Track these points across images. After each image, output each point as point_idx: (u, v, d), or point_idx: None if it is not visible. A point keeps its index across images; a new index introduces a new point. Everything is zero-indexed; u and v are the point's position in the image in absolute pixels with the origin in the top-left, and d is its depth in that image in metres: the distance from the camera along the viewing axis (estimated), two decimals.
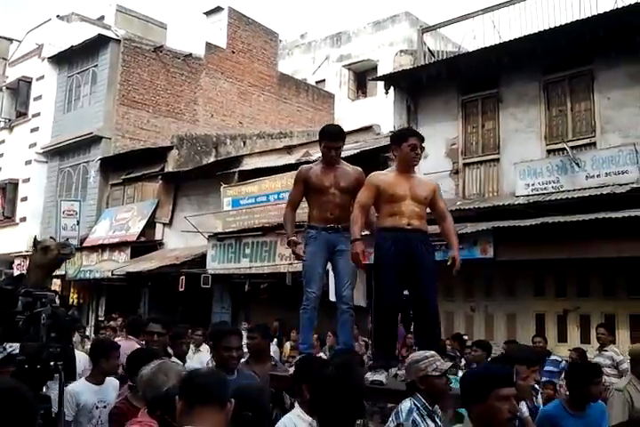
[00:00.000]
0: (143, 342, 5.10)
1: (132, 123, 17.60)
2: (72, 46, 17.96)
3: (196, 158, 16.05)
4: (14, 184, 19.35)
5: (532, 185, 9.10)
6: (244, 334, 4.78)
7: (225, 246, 12.84)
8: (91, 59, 18.03)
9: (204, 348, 7.74)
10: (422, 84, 10.61)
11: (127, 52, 17.57)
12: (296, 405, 3.34)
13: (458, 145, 10.53)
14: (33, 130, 19.19)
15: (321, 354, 7.28)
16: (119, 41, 17.53)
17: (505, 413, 2.28)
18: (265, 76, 20.38)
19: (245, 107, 19.78)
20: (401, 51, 12.91)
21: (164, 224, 15.42)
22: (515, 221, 8.55)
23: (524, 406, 3.55)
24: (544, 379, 6.25)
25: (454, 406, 3.11)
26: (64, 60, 18.82)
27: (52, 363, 2.61)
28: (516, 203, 9.04)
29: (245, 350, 4.49)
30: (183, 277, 12.96)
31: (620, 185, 8.22)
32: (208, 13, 19.81)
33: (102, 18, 20.75)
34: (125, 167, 16.80)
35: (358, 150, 10.44)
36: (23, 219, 18.88)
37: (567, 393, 4.22)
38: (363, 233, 4.12)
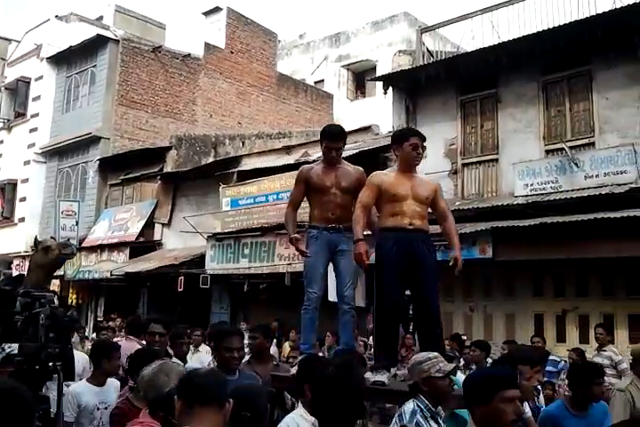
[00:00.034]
0: (144, 343, 5.09)
1: (130, 123, 17.57)
2: (71, 46, 17.93)
3: (194, 159, 16.02)
4: (13, 184, 19.31)
5: (531, 185, 9.11)
6: (246, 334, 4.78)
7: (224, 247, 12.83)
8: (89, 59, 18.00)
9: (203, 348, 7.74)
10: (421, 84, 10.61)
11: (126, 52, 17.54)
12: (299, 405, 3.33)
13: (456, 145, 10.53)
14: (32, 130, 19.15)
15: (320, 354, 7.26)
16: (118, 41, 17.50)
17: (510, 415, 2.27)
18: (264, 76, 20.36)
19: (244, 107, 19.76)
20: (400, 51, 12.91)
21: (163, 224, 15.40)
22: (513, 221, 8.56)
23: (526, 407, 3.56)
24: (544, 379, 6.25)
25: (456, 407, 3.11)
26: (63, 60, 18.78)
27: (50, 363, 2.61)
28: (515, 203, 9.06)
29: (247, 350, 4.49)
30: (182, 277, 12.95)
31: (619, 185, 8.23)
32: (207, 14, 19.79)
33: (101, 18, 20.74)
34: (124, 167, 16.76)
35: (357, 150, 10.44)
36: (22, 219, 18.84)
37: (567, 393, 4.23)
38: (365, 233, 4.11)
